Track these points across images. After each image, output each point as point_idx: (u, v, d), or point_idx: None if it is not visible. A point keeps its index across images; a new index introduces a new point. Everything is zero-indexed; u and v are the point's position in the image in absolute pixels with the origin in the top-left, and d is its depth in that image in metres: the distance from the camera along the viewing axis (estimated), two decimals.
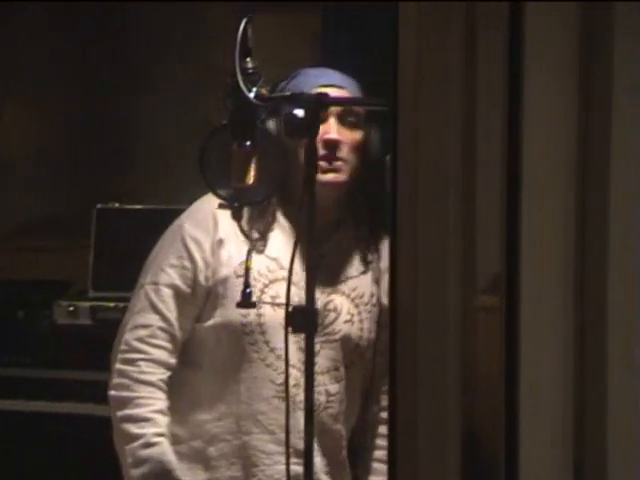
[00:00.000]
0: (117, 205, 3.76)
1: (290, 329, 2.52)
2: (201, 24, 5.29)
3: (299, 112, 2.53)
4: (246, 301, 2.70)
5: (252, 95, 2.57)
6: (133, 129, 5.33)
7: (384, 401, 2.80)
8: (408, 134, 1.77)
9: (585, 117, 1.61)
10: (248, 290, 2.72)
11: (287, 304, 2.48)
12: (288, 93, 2.77)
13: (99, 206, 4.28)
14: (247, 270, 2.72)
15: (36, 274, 4.88)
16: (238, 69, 2.55)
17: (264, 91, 2.68)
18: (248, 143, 2.63)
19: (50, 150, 5.45)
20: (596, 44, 1.60)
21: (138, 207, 4.53)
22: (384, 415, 2.80)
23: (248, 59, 2.58)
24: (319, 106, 2.55)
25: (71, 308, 4.29)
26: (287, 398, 2.48)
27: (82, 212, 4.38)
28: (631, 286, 1.60)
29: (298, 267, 2.67)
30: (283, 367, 2.61)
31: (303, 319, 2.55)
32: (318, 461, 2.71)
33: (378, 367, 2.73)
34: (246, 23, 2.55)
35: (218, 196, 2.72)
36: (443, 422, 1.75)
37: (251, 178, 2.65)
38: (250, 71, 2.59)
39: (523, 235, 1.55)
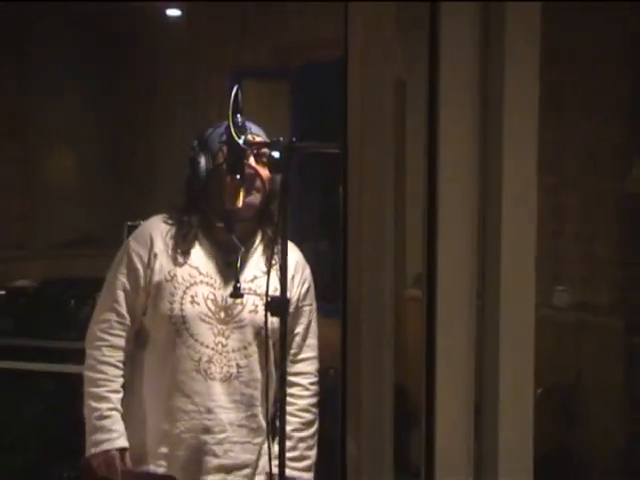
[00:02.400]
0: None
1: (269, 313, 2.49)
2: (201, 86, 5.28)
3: (276, 154, 2.51)
4: (237, 289, 2.70)
5: (241, 141, 2.56)
6: (158, 164, 5.30)
7: (293, 368, 2.80)
8: (355, 169, 1.79)
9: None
10: (237, 286, 2.71)
11: (267, 296, 2.47)
12: (262, 138, 2.76)
13: (129, 223, 4.23)
14: (236, 270, 2.70)
15: (87, 274, 4.85)
16: (231, 123, 2.55)
17: (250, 138, 2.67)
18: (238, 177, 2.63)
19: (97, 183, 5.42)
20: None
21: None
22: (294, 379, 2.80)
23: (238, 115, 2.56)
24: (290, 150, 2.52)
25: None
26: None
27: (117, 228, 4.33)
28: (518, 282, 1.64)
29: (213, 271, 2.72)
30: (198, 348, 2.67)
31: (276, 307, 2.47)
32: (233, 416, 2.72)
33: (289, 344, 2.70)
34: (237, 89, 2.55)
35: (216, 215, 2.73)
36: (381, 378, 1.79)
37: (240, 202, 2.67)
38: (239, 124, 2.57)
39: (439, 246, 1.58)
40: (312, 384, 2.83)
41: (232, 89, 2.58)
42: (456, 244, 1.59)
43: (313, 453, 2.82)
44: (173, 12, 4.97)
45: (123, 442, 2.72)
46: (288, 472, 2.53)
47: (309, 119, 4.60)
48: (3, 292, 4.42)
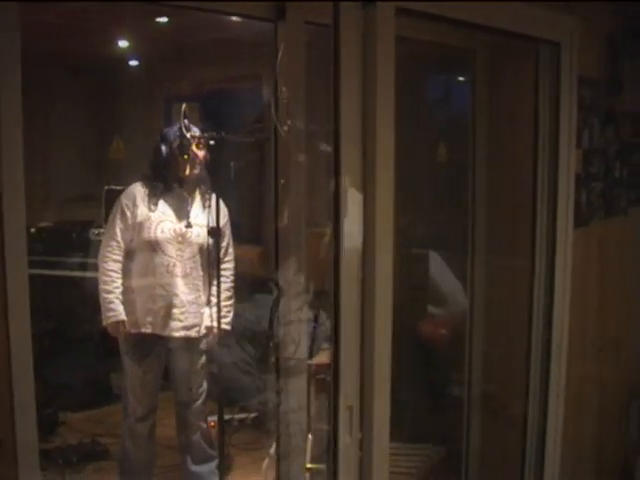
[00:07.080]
0: (118, 187, 3.22)
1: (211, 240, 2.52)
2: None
3: (210, 142, 2.51)
4: (189, 224, 2.55)
5: (188, 135, 2.49)
6: (133, 151, 4.76)
7: (221, 266, 2.57)
8: (283, 152, 1.57)
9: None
10: (188, 221, 2.55)
11: (208, 226, 2.49)
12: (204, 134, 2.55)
13: (106, 187, 3.73)
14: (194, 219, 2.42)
15: (84, 218, 4.37)
16: (182, 124, 2.47)
17: (192, 133, 2.53)
18: (185, 157, 2.52)
19: (92, 163, 4.84)
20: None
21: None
22: (221, 272, 2.57)
23: (186, 120, 2.48)
24: (223, 140, 2.50)
25: (96, 232, 3.80)
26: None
27: (100, 191, 3.85)
28: (382, 216, 1.44)
29: (172, 214, 2.55)
30: (167, 258, 2.51)
31: (212, 232, 2.49)
32: (188, 297, 2.56)
33: (219, 253, 2.54)
34: (185, 106, 2.44)
35: (173, 180, 2.54)
36: (300, 277, 1.59)
37: (187, 172, 2.54)
38: (186, 125, 2.50)
39: (342, 205, 1.36)
40: (232, 275, 2.69)
41: (180, 107, 2.51)
42: (353, 200, 1.38)
43: (231, 314, 2.67)
44: (134, 63, 4.45)
45: (122, 317, 2.53)
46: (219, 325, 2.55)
47: (215, 121, 4.36)
48: (34, 230, 4.03)
